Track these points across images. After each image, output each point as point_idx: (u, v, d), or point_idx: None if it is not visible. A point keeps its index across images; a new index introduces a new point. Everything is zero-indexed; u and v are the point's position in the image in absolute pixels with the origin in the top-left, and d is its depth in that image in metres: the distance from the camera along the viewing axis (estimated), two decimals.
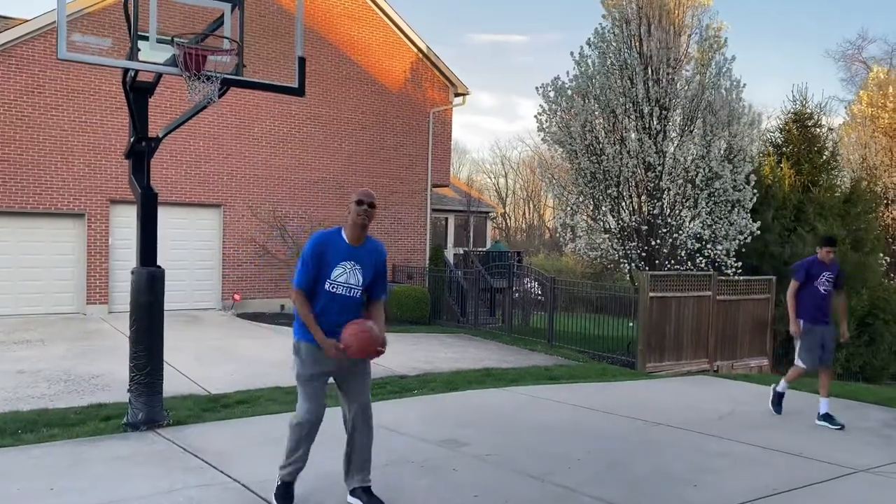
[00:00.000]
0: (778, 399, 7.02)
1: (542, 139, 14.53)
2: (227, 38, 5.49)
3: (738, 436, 6.04)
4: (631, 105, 13.37)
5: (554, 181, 14.71)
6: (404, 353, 10.71)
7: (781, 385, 7.03)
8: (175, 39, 5.20)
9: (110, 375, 8.14)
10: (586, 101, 13.67)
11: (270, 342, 11.41)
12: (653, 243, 13.32)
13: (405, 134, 17.70)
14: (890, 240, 19.73)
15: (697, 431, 6.21)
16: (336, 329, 3.85)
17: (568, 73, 14.08)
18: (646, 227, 13.46)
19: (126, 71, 5.78)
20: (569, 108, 13.83)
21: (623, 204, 13.69)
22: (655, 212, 13.31)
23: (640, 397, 7.95)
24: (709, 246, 13.26)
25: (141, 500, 4.16)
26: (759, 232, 13.43)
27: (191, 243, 15.00)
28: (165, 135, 6.33)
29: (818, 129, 16.37)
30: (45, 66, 13.28)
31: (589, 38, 13.89)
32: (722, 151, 13.39)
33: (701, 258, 13.29)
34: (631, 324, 12.33)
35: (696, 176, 13.17)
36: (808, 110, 16.36)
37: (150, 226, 5.93)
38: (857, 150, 22.15)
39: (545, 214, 44.15)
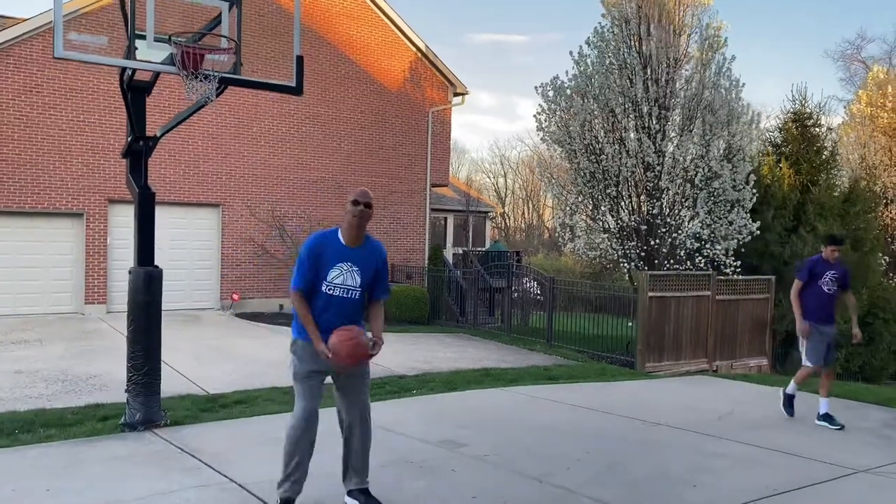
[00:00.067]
0: (789, 401, 6.93)
1: (542, 139, 14.52)
2: (224, 36, 5.47)
3: (737, 436, 6.03)
4: (630, 104, 13.35)
5: (553, 181, 14.70)
6: (403, 352, 10.70)
7: (791, 387, 6.94)
8: (172, 38, 5.19)
9: (108, 375, 8.12)
10: (585, 100, 13.65)
11: (269, 342, 11.39)
12: (652, 243, 13.30)
13: (404, 133, 17.68)
14: (889, 239, 19.74)
15: (697, 431, 6.20)
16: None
17: (567, 72, 14.09)
18: (645, 227, 13.45)
19: (123, 70, 5.78)
20: (568, 107, 13.81)
21: (622, 204, 13.68)
22: (655, 211, 13.30)
23: (640, 397, 7.94)
24: (708, 245, 13.25)
25: (138, 501, 4.15)
26: (758, 232, 13.43)
27: (189, 243, 14.97)
28: (163, 134, 6.32)
29: (817, 129, 16.36)
30: (43, 65, 13.25)
31: (588, 38, 13.89)
32: (721, 151, 13.39)
33: (700, 258, 13.29)
34: (630, 323, 12.32)
35: (696, 175, 13.16)
36: (808, 110, 16.36)
37: (147, 225, 5.92)
38: (856, 150, 22.17)
39: (544, 214, 44.14)
